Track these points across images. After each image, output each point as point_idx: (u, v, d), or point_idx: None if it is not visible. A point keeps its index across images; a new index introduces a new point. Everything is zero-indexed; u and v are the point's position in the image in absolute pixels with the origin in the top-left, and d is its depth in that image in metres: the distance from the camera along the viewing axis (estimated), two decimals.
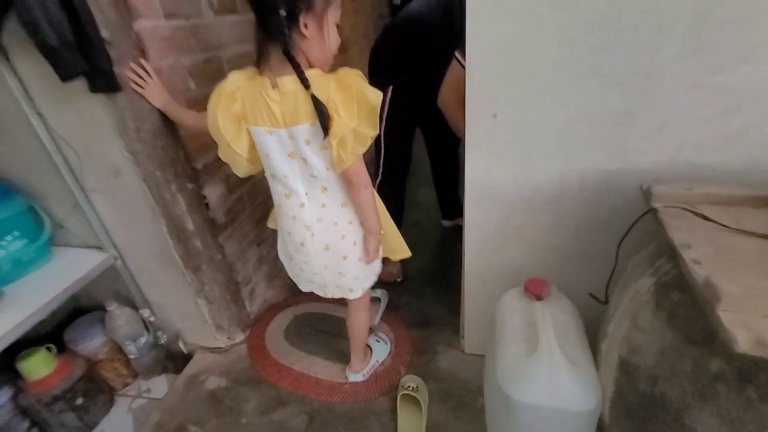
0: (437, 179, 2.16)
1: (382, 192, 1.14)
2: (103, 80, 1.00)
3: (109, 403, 1.46)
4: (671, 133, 0.92)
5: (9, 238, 1.19)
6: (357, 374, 1.38)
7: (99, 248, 1.32)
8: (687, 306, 0.68)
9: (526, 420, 0.87)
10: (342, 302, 1.74)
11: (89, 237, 1.32)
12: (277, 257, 1.92)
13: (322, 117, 0.83)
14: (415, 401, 1.27)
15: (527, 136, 0.99)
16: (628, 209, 1.01)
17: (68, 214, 1.28)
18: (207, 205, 1.39)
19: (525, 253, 1.17)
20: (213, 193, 1.42)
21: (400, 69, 1.61)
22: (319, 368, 1.44)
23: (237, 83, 0.91)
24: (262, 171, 1.04)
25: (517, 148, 1.01)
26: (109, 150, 1.14)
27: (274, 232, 1.89)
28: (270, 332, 1.62)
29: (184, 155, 1.26)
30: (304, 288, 1.19)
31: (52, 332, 1.45)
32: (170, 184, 1.21)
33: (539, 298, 1.01)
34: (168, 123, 1.19)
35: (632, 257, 0.95)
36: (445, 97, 1.42)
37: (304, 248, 1.05)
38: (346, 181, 0.96)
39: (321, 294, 1.18)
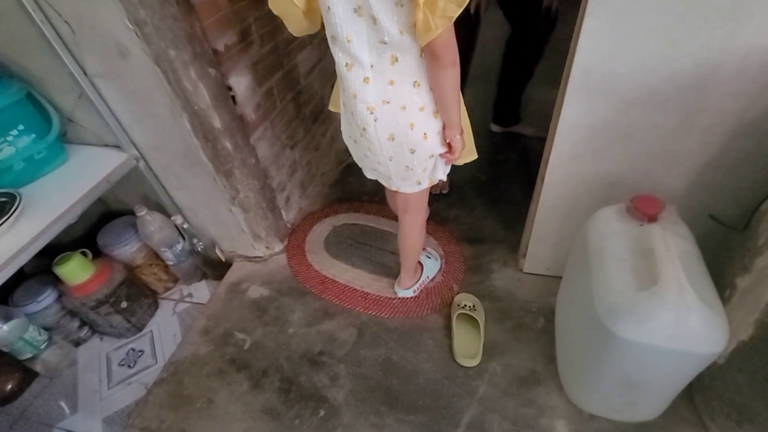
0: (506, 75, 1.81)
1: None
2: None
3: (154, 306, 1.45)
4: None
5: (14, 132, 1.03)
6: (407, 290, 1.29)
7: (117, 147, 1.16)
8: None
9: (629, 359, 0.74)
10: (383, 214, 1.62)
11: (105, 134, 1.15)
12: (310, 162, 1.76)
13: None
14: (471, 320, 1.19)
15: None
16: None
17: (74, 104, 1.08)
18: (233, 98, 1.17)
19: (629, 163, 0.95)
20: (239, 84, 1.19)
21: None
22: (365, 282, 1.35)
23: None
24: (322, 30, 0.80)
25: (662, 13, 0.71)
26: (108, 20, 0.89)
27: (307, 134, 1.71)
28: (309, 243, 1.51)
29: (201, 31, 1.00)
30: (369, 175, 1.03)
31: (84, 236, 1.38)
32: (189, 69, 0.98)
33: (652, 219, 0.81)
34: None
35: None
36: None
37: (367, 134, 0.86)
38: (431, 56, 0.72)
39: (385, 185, 1.02)
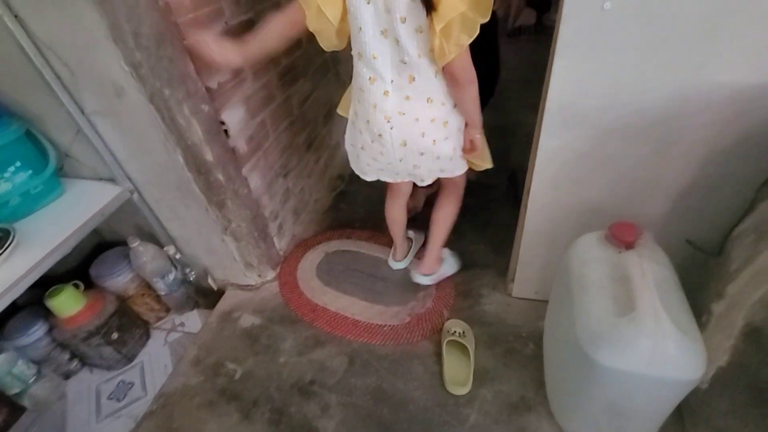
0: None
1: None
2: None
3: (145, 336, 1.45)
4: None
5: (11, 169, 1.06)
6: (427, 277, 1.35)
7: (112, 180, 1.19)
8: None
9: (611, 386, 0.75)
10: (375, 240, 1.64)
11: (100, 168, 1.18)
12: (303, 189, 1.80)
13: None
14: (461, 347, 1.19)
15: (649, 36, 0.73)
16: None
17: (71, 140, 1.12)
18: (226, 132, 1.21)
19: (608, 190, 0.98)
20: (232, 117, 1.23)
21: None
22: (357, 309, 1.36)
23: None
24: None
25: (629, 53, 0.76)
26: (106, 62, 0.94)
27: (300, 162, 1.75)
28: (301, 270, 1.53)
29: (194, 70, 1.05)
30: (370, 178, 1.16)
31: (78, 267, 1.39)
32: (182, 106, 1.02)
33: (629, 246, 0.84)
34: (170, 27, 0.96)
35: (765, 201, 0.75)
36: None
37: (382, 140, 0.98)
38: (449, 77, 0.85)
39: (390, 180, 1.16)
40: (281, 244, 1.60)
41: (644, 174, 0.93)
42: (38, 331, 1.24)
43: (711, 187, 0.91)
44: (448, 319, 1.29)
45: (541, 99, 0.91)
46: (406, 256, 1.49)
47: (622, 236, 0.84)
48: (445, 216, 1.27)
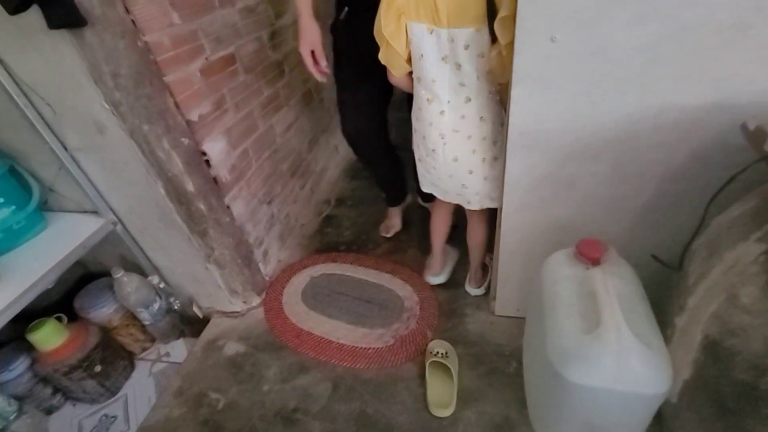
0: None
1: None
2: (62, 11, 0.82)
3: (130, 367, 1.44)
4: None
5: None
6: (479, 288, 1.42)
7: (95, 213, 1.21)
8: None
9: (583, 402, 0.76)
10: (360, 263, 1.66)
11: (84, 201, 1.20)
12: (288, 215, 1.82)
13: (492, 18, 0.79)
14: (444, 368, 1.19)
15: (595, 65, 0.78)
16: (716, 155, 0.83)
17: (55, 176, 1.15)
18: (208, 162, 1.24)
19: (575, 208, 1.01)
20: (213, 148, 1.26)
21: None
22: (341, 333, 1.36)
23: None
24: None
25: (579, 81, 0.80)
26: (87, 102, 0.97)
27: (285, 189, 1.78)
28: (287, 295, 1.53)
29: (174, 105, 1.09)
30: (425, 189, 1.22)
31: (62, 299, 1.39)
32: (162, 140, 1.05)
33: (595, 263, 0.86)
34: (149, 66, 1.00)
35: (717, 217, 0.78)
36: None
37: (435, 155, 1.06)
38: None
39: (440, 197, 1.21)
40: (267, 269, 1.61)
41: (606, 192, 0.97)
42: (20, 366, 1.23)
43: (669, 204, 0.94)
44: (431, 340, 1.29)
45: (503, 126, 0.96)
46: (442, 269, 1.50)
47: (588, 253, 0.86)
48: (478, 239, 1.33)
